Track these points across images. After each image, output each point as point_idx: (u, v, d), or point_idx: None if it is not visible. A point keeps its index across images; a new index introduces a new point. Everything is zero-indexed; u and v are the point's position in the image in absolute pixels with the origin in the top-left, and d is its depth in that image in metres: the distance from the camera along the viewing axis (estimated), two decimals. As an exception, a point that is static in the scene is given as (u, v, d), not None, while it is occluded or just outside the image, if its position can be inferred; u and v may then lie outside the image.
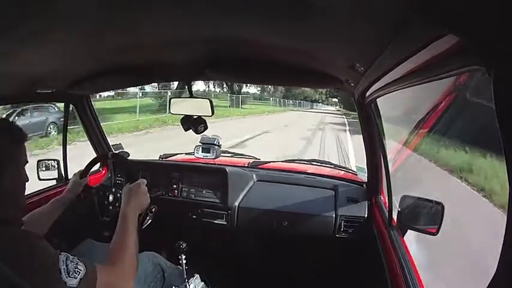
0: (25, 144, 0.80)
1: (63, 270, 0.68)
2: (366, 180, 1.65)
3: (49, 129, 7.98)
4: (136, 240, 0.94)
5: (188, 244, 1.40)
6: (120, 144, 1.99)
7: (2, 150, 0.73)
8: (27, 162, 0.81)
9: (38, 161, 1.63)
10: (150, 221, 1.50)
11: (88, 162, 1.41)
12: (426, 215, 1.11)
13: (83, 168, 1.39)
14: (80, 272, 0.70)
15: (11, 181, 0.74)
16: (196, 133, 1.44)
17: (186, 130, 1.44)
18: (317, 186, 1.71)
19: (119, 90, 11.07)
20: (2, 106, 5.86)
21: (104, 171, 1.91)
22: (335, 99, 39.89)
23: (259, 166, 1.94)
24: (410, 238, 1.28)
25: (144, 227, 1.47)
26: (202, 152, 1.82)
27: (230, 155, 2.10)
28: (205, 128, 1.43)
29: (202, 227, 1.67)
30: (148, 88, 14.22)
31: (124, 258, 0.87)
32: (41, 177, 1.60)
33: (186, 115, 1.43)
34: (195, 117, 1.42)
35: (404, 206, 1.19)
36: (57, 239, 0.77)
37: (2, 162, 0.73)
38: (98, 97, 12.71)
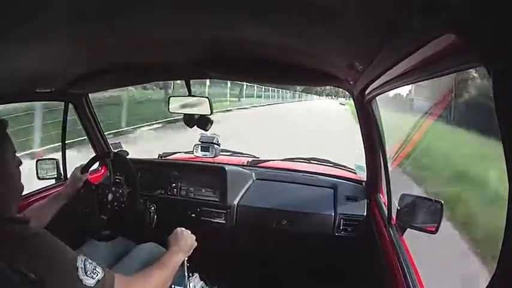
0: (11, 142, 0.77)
1: (81, 269, 0.69)
2: (365, 179, 1.66)
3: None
4: (169, 277, 0.98)
5: None
6: (119, 143, 1.99)
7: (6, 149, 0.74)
8: (21, 162, 0.80)
9: (37, 160, 1.64)
10: (155, 218, 1.51)
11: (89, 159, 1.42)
12: (425, 214, 1.12)
13: (84, 163, 1.40)
14: (98, 274, 0.71)
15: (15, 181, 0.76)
16: (205, 130, 1.50)
17: (191, 127, 1.49)
18: (316, 185, 1.71)
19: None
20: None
21: (102, 170, 1.91)
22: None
23: (258, 165, 1.94)
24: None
25: (153, 226, 1.49)
26: (201, 150, 1.82)
27: (229, 153, 2.09)
28: (211, 124, 1.48)
29: (201, 225, 1.67)
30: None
31: (151, 279, 0.89)
32: (40, 177, 1.61)
33: (187, 114, 1.44)
34: (196, 116, 1.44)
35: (403, 204, 1.19)
36: (56, 237, 0.77)
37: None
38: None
